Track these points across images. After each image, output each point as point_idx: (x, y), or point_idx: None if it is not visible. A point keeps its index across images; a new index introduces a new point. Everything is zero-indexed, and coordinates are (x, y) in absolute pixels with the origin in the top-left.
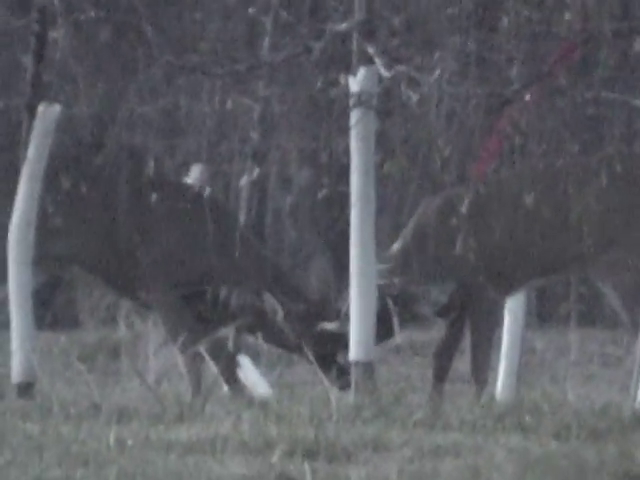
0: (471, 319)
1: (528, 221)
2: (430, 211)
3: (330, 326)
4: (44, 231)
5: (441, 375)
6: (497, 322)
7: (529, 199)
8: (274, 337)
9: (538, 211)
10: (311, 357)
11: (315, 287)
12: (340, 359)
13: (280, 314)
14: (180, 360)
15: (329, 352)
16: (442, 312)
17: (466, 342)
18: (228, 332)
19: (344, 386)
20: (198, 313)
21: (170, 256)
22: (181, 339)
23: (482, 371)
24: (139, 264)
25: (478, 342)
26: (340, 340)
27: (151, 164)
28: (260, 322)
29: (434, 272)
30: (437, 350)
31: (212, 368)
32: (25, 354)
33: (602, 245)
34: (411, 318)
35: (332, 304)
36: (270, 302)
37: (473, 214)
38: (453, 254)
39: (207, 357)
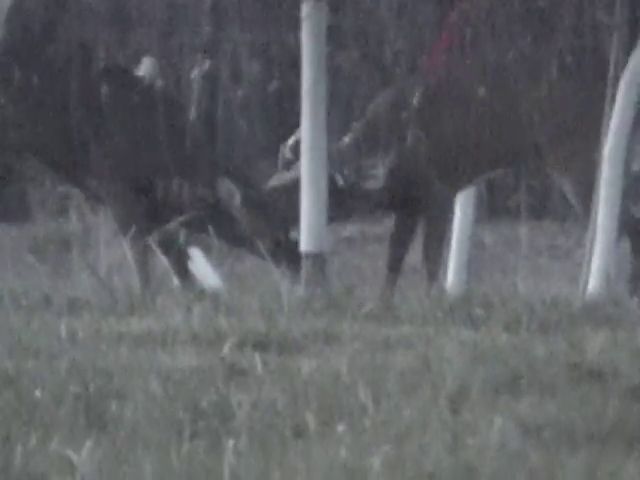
0: (423, 213)
1: (481, 113)
2: (382, 104)
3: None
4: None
5: (394, 266)
6: (448, 216)
7: (482, 90)
8: (225, 230)
9: (491, 103)
10: (263, 250)
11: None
12: (293, 249)
13: (237, 198)
14: (129, 253)
15: (283, 243)
16: (394, 204)
17: (417, 234)
18: (178, 225)
19: (296, 279)
20: (148, 206)
21: (120, 147)
22: (131, 232)
23: (434, 264)
24: (90, 155)
25: (430, 235)
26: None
27: (101, 56)
28: (212, 214)
29: (384, 165)
30: (391, 240)
31: (163, 261)
32: None
33: (557, 136)
34: (360, 205)
35: (284, 195)
36: (227, 187)
37: (424, 106)
38: (403, 147)
39: (158, 250)
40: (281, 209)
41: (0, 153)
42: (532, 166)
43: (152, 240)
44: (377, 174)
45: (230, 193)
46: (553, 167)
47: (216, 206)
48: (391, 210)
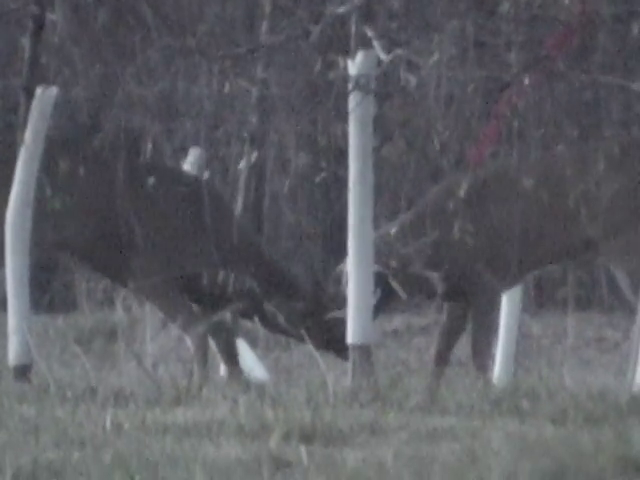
0: (472, 306)
1: (535, 208)
2: (431, 196)
3: (340, 314)
4: (37, 216)
5: (443, 358)
6: (497, 310)
7: (531, 184)
8: (271, 322)
9: (544, 197)
10: (310, 342)
11: (310, 277)
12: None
13: (280, 317)
14: (187, 340)
15: (332, 337)
16: (444, 296)
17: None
18: (225, 315)
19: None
20: (194, 298)
21: (165, 243)
22: (180, 320)
23: (483, 358)
24: (131, 251)
25: (478, 329)
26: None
27: (148, 148)
28: (258, 306)
29: (432, 258)
30: (441, 331)
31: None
32: (22, 337)
33: (612, 229)
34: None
35: (327, 294)
36: (269, 309)
37: (473, 200)
38: (451, 239)
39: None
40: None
41: (41, 249)
42: (589, 260)
43: (202, 328)
44: (423, 258)
45: (272, 313)
46: (608, 259)
47: (265, 296)
48: (443, 301)
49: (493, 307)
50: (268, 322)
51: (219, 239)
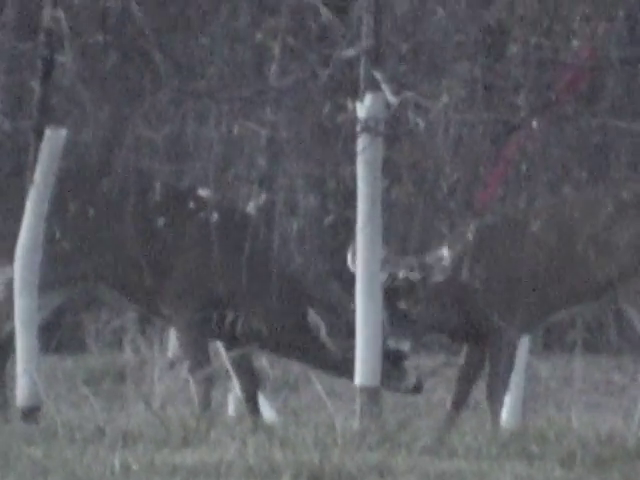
0: (489, 352)
1: (553, 252)
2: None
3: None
4: (67, 252)
5: (459, 402)
6: (513, 355)
7: (540, 227)
8: (318, 357)
9: (550, 241)
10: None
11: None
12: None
13: (323, 329)
14: (191, 380)
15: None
16: (460, 339)
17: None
18: (250, 350)
19: (416, 387)
20: (216, 333)
21: (198, 275)
22: (192, 359)
23: (497, 402)
24: (165, 281)
25: (493, 374)
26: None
27: (157, 189)
28: (302, 343)
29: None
30: (459, 377)
31: (214, 393)
32: (30, 378)
33: (632, 270)
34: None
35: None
36: (313, 318)
37: (479, 243)
38: (459, 283)
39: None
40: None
41: (75, 283)
42: (608, 302)
43: (208, 371)
44: (441, 268)
45: (315, 325)
46: (625, 301)
47: (306, 331)
48: (462, 343)
49: (508, 353)
50: (314, 358)
51: (253, 272)
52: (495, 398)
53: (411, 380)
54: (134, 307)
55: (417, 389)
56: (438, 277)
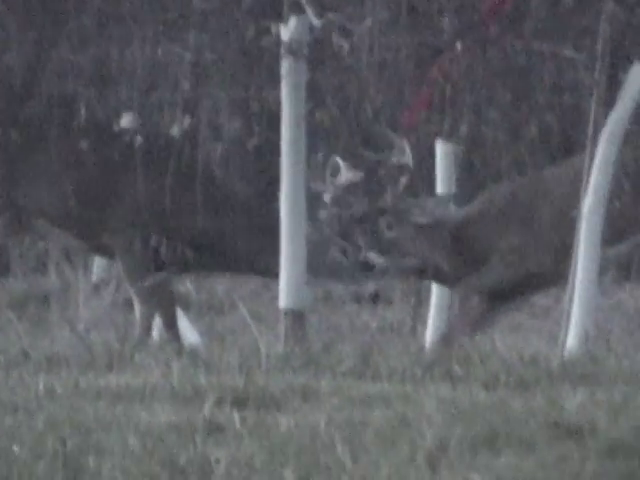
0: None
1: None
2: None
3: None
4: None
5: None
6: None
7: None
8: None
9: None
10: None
11: None
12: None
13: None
14: (136, 302)
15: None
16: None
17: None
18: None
19: (373, 297)
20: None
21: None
22: (139, 275)
23: (452, 333)
24: (106, 208)
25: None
26: None
27: (82, 112)
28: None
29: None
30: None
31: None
32: None
33: None
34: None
35: None
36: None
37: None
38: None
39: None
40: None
41: (14, 213)
42: None
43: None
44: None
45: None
46: None
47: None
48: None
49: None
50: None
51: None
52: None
53: (370, 288)
54: (74, 242)
55: (374, 298)
56: (421, 219)
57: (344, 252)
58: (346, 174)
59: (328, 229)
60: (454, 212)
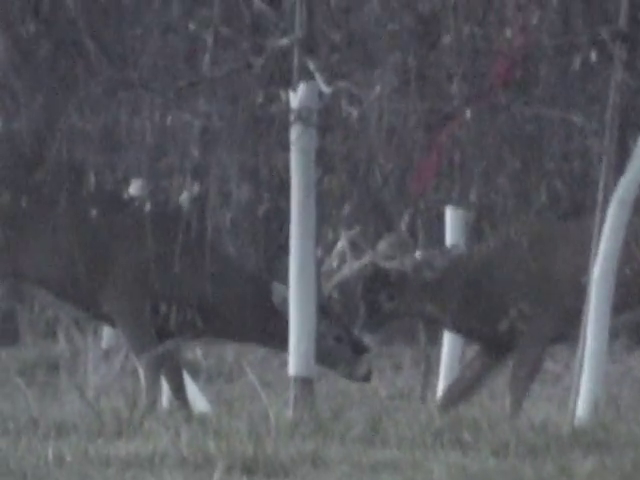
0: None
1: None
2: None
3: None
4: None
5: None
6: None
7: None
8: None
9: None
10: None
11: None
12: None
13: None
14: (139, 367)
15: (345, 339)
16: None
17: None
18: (172, 345)
19: (366, 376)
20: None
21: (139, 267)
22: (142, 343)
23: (518, 397)
24: (107, 275)
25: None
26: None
27: (91, 179)
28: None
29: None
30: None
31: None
32: None
33: None
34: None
35: None
36: (280, 292)
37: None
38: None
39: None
40: (341, 305)
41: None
42: None
43: (153, 354)
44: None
45: (282, 298)
46: None
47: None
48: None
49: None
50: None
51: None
52: (519, 394)
53: (363, 368)
54: (69, 309)
55: (366, 378)
56: (429, 275)
57: (338, 339)
58: (351, 265)
59: (324, 317)
60: (465, 258)
